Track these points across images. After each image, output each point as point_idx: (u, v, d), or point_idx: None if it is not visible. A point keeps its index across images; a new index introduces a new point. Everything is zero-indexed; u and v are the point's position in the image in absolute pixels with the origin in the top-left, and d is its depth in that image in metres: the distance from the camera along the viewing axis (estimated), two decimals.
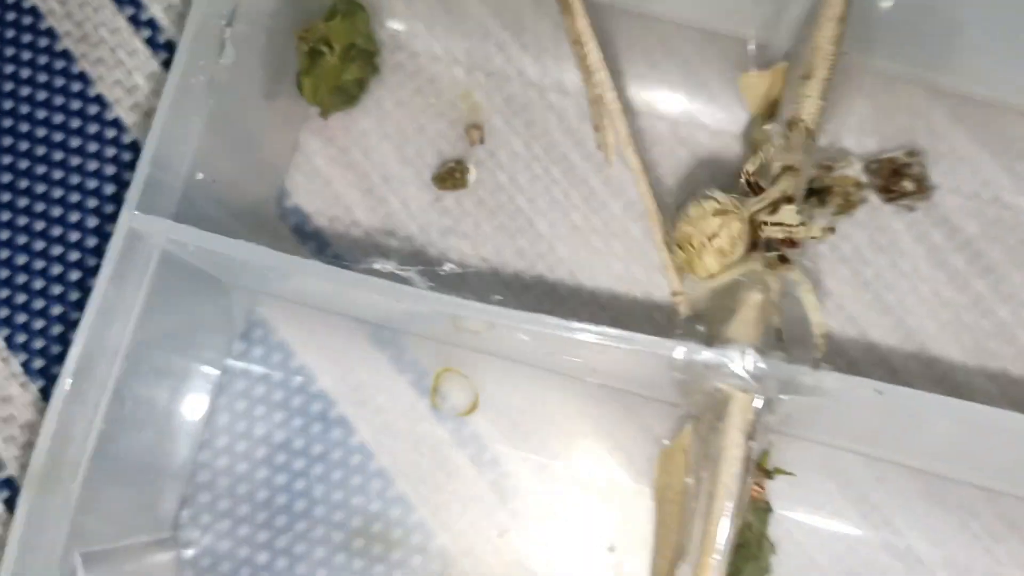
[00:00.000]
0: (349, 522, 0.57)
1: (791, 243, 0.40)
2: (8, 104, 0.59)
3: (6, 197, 0.58)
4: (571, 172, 0.60)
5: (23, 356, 0.58)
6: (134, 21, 0.61)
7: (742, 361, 0.39)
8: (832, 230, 0.40)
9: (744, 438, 0.38)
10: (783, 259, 0.40)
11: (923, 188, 0.55)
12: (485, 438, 0.57)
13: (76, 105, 0.60)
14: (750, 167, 0.41)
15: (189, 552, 0.57)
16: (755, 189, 0.42)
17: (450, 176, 0.58)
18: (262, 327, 0.59)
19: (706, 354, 0.40)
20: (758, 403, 0.39)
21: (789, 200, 0.40)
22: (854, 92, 0.58)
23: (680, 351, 0.39)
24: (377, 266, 0.48)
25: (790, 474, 0.54)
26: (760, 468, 0.53)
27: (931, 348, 0.57)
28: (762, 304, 0.40)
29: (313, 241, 0.60)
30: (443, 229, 0.59)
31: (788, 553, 0.55)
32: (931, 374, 0.57)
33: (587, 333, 0.39)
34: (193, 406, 0.57)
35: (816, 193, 0.55)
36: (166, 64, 0.60)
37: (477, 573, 0.56)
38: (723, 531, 0.39)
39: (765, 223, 0.39)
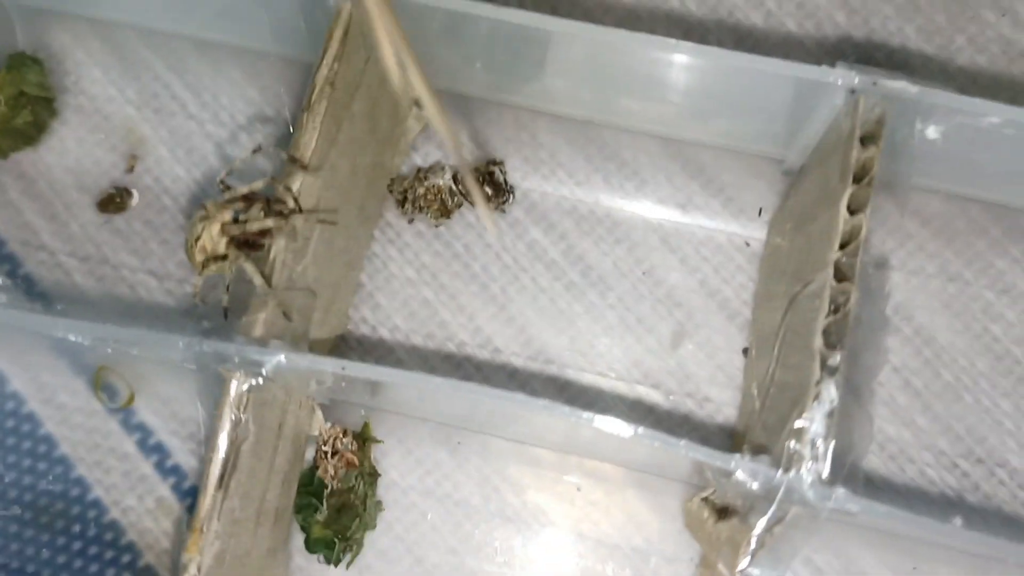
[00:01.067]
0: (37, 501, 0.66)
1: (252, 237, 0.49)
2: None
3: None
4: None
5: None
6: None
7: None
8: (280, 227, 0.48)
9: (230, 415, 0.47)
10: (249, 246, 0.49)
11: (503, 191, 0.64)
12: (149, 425, 0.66)
13: None
14: (223, 174, 0.51)
15: None
16: (225, 191, 0.51)
17: (111, 201, 0.67)
18: None
19: (210, 345, 0.49)
20: (244, 385, 0.48)
21: (250, 200, 0.49)
22: (462, 114, 0.67)
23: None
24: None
25: (379, 441, 0.63)
26: (357, 437, 0.62)
27: (529, 330, 0.66)
28: (259, 296, 0.49)
29: (7, 263, 0.69)
30: (114, 246, 0.68)
31: (401, 507, 0.64)
32: (528, 352, 0.66)
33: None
34: None
35: (410, 200, 0.65)
36: None
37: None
38: (208, 495, 0.47)
39: (235, 221, 0.48)
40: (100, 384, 0.66)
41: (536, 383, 0.65)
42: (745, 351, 0.64)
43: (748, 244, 0.65)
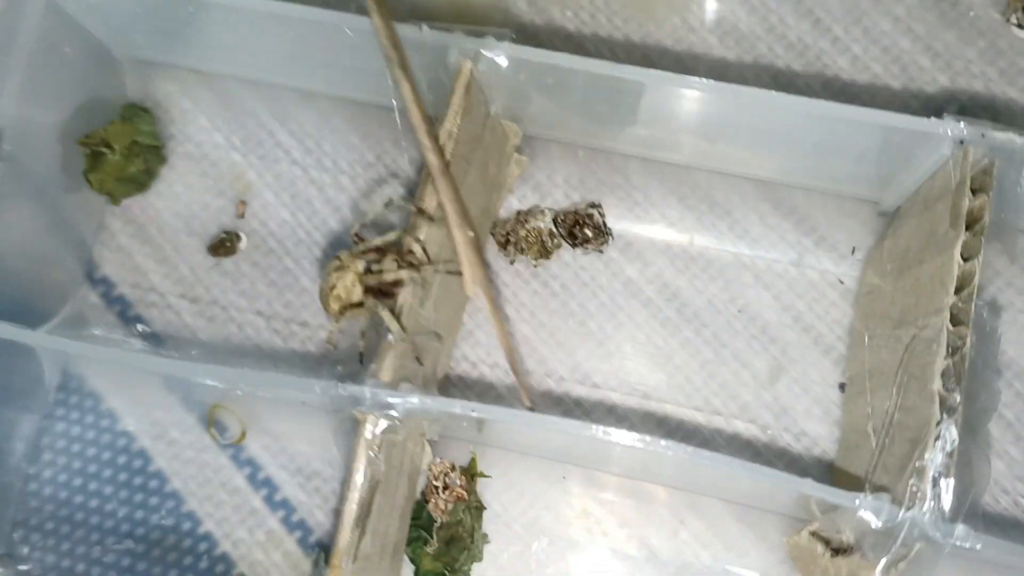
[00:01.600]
0: (149, 535, 0.68)
1: (386, 287, 0.51)
2: None
3: None
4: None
5: None
6: None
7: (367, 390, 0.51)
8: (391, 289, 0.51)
9: (366, 455, 0.49)
10: (383, 294, 0.51)
11: (601, 234, 0.67)
12: (259, 461, 0.69)
13: None
14: (355, 227, 0.53)
15: (23, 567, 0.69)
16: (358, 242, 0.54)
17: (222, 245, 0.70)
18: (77, 379, 0.71)
19: (346, 389, 0.51)
20: (380, 424, 0.50)
21: (382, 251, 0.52)
22: (557, 156, 0.70)
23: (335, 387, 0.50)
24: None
25: (487, 476, 0.65)
26: (464, 472, 0.64)
27: (627, 366, 0.68)
28: (395, 342, 0.52)
29: (118, 305, 0.72)
30: (223, 287, 0.71)
31: (507, 541, 0.66)
32: (627, 387, 0.68)
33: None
34: (20, 451, 0.69)
35: (512, 243, 0.67)
36: None
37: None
38: (346, 533, 0.49)
39: (368, 271, 0.51)
40: (212, 421, 0.68)
41: (635, 417, 0.67)
42: (842, 386, 0.65)
43: (842, 282, 0.67)
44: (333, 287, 0.52)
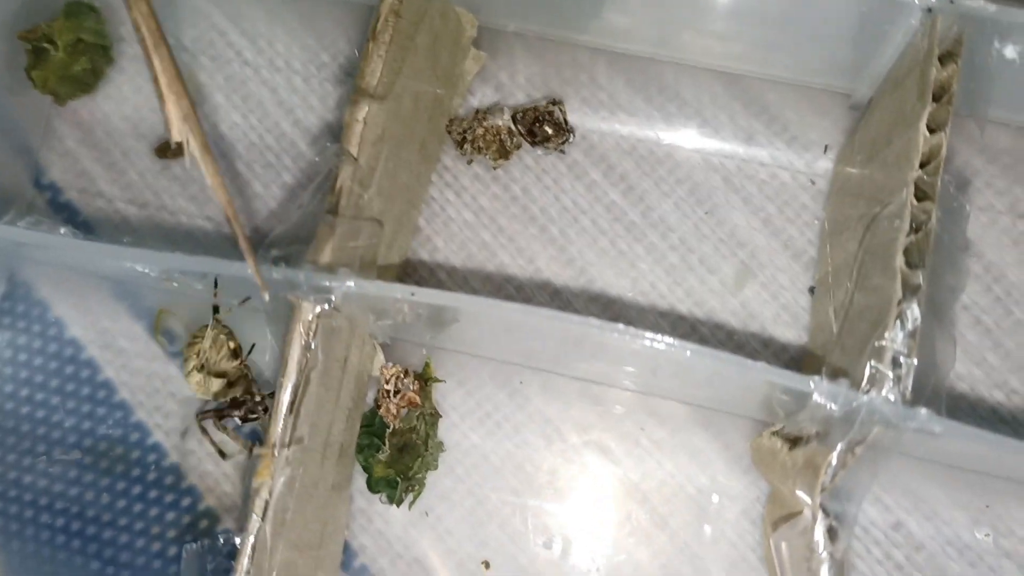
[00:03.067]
0: (97, 446, 0.66)
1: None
2: None
3: None
4: (282, 138, 0.69)
5: None
6: None
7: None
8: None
9: (300, 340, 0.47)
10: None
11: (562, 132, 0.64)
12: None
13: None
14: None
15: None
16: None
17: (168, 147, 0.67)
18: (23, 287, 0.68)
19: (280, 272, 0.49)
20: (313, 310, 0.48)
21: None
22: (519, 54, 0.67)
23: None
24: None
25: (441, 380, 0.63)
26: (418, 377, 0.62)
27: (590, 272, 0.65)
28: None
29: (65, 211, 0.69)
30: (172, 193, 0.68)
31: (462, 449, 0.64)
32: (588, 294, 0.65)
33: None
34: None
35: (469, 141, 0.64)
36: None
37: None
38: (281, 418, 0.47)
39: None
40: (160, 328, 0.66)
41: None
42: (811, 290, 0.63)
43: (813, 182, 0.64)
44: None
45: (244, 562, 0.47)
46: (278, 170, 0.68)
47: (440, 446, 0.63)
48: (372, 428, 0.62)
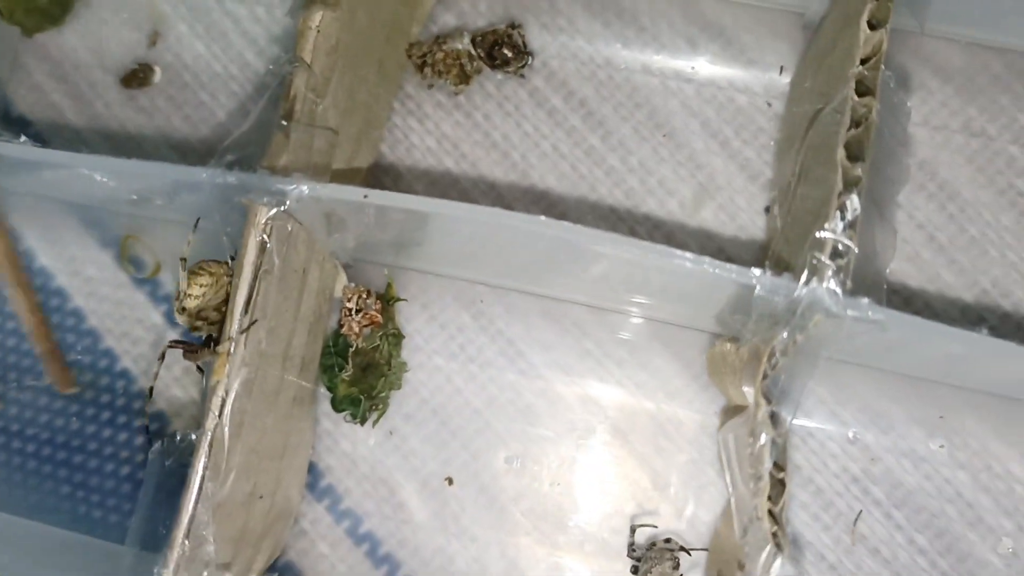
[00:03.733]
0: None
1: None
2: None
3: None
4: (247, 68, 0.69)
5: None
6: None
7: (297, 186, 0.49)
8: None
9: (255, 240, 0.48)
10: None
11: (521, 55, 0.64)
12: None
13: None
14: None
15: None
16: None
17: (135, 76, 0.68)
18: None
19: (235, 176, 0.50)
20: (268, 212, 0.49)
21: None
22: None
23: None
24: None
25: (402, 300, 0.64)
26: (380, 297, 0.63)
27: (551, 196, 0.66)
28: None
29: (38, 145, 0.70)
30: (138, 123, 0.69)
31: (425, 371, 0.65)
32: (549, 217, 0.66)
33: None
34: None
35: (429, 64, 0.65)
36: None
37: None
38: (236, 317, 0.48)
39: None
40: (126, 255, 0.67)
41: None
42: (767, 210, 0.64)
43: (770, 104, 0.65)
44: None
45: (201, 459, 0.47)
46: (241, 99, 0.69)
47: (403, 366, 0.64)
48: (336, 348, 0.63)
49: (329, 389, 0.63)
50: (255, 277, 0.49)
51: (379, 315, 0.62)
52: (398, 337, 0.64)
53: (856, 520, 0.61)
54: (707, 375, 0.62)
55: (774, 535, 0.45)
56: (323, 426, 0.64)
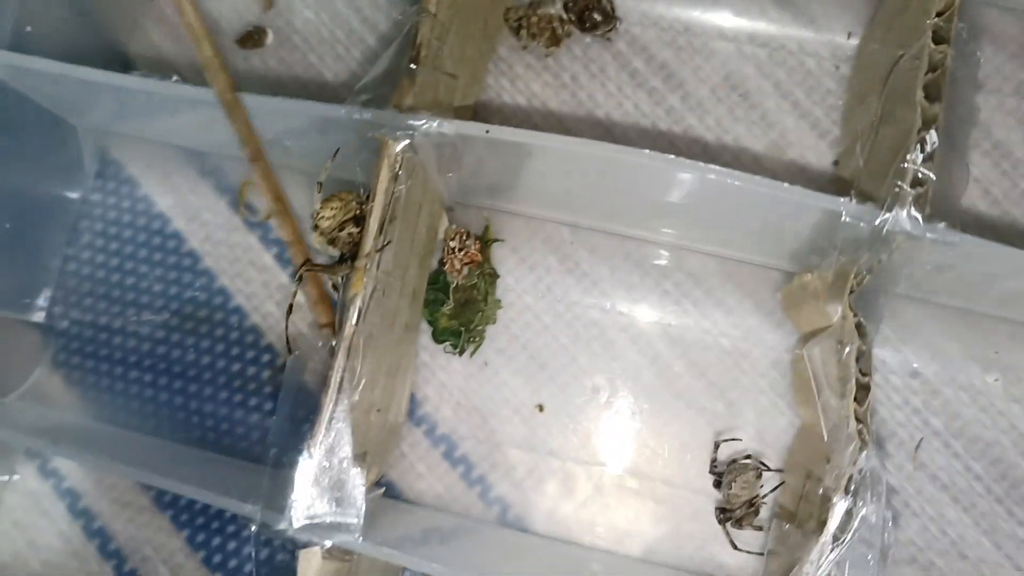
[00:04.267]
0: (183, 309, 0.73)
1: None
2: None
3: None
4: (352, 34, 0.75)
5: None
6: None
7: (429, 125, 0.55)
8: None
9: (389, 169, 0.54)
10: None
11: (609, 19, 0.70)
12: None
13: None
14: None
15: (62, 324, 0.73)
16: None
17: (249, 38, 0.74)
18: (113, 166, 0.75)
19: (370, 112, 0.55)
20: (400, 145, 0.55)
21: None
22: None
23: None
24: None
25: (500, 240, 0.69)
26: (479, 239, 0.68)
27: None
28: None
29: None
30: (250, 81, 0.75)
31: (516, 310, 0.70)
32: None
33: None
34: (59, 231, 0.74)
35: (524, 27, 0.71)
36: None
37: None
38: (372, 237, 0.54)
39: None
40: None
41: None
42: (835, 163, 0.69)
43: (838, 68, 0.71)
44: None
45: (341, 360, 0.53)
46: (347, 62, 0.75)
47: (498, 303, 0.69)
48: (438, 285, 0.68)
49: (430, 323, 0.68)
50: (389, 202, 0.54)
51: (478, 254, 0.67)
52: (494, 276, 0.69)
53: (917, 447, 0.66)
54: (781, 311, 0.67)
55: (859, 432, 0.50)
56: (421, 359, 0.70)
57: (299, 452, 0.54)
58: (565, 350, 0.70)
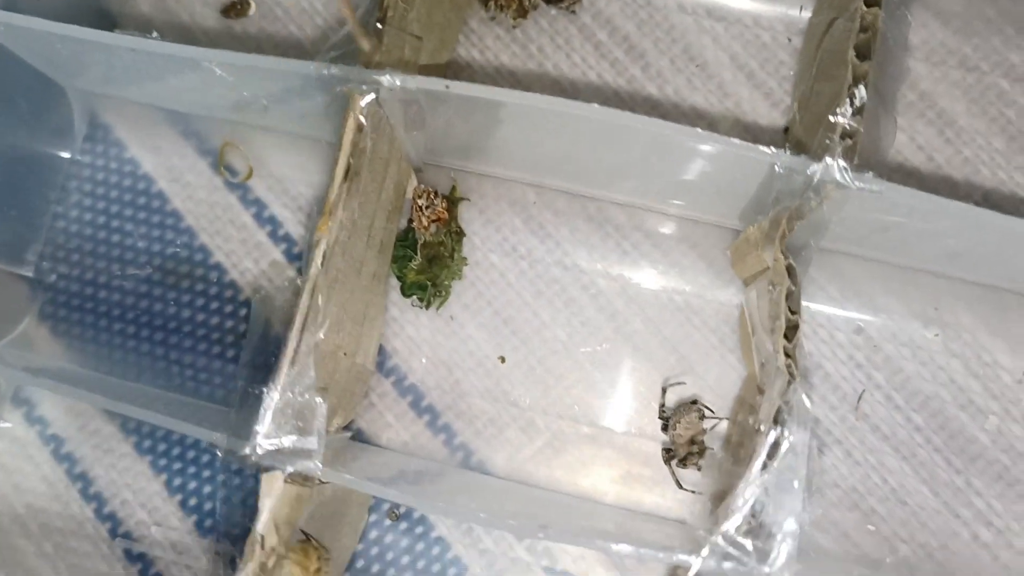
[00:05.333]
0: (165, 265, 0.76)
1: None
2: None
3: None
4: (330, 4, 0.79)
5: None
6: None
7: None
8: None
9: (355, 120, 0.57)
10: None
11: None
12: (264, 200, 0.77)
13: None
14: None
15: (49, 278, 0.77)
16: None
17: (233, 7, 0.77)
18: (102, 129, 0.79)
19: (337, 68, 0.59)
20: (367, 99, 0.58)
21: None
22: None
23: None
24: None
25: (466, 199, 0.73)
26: (446, 199, 0.72)
27: None
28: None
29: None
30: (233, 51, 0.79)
31: (482, 268, 0.74)
32: None
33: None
34: (49, 189, 0.77)
35: (493, 0, 0.74)
36: None
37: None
38: (337, 183, 0.57)
39: None
40: (223, 160, 0.76)
41: None
42: (785, 130, 0.73)
43: (790, 40, 0.74)
44: None
45: (305, 298, 0.56)
46: (327, 33, 0.78)
47: (464, 260, 0.73)
48: (407, 243, 0.72)
49: (399, 278, 0.72)
50: (353, 151, 0.58)
51: (445, 212, 0.71)
52: (460, 234, 0.73)
53: (859, 399, 0.69)
54: (731, 269, 0.70)
55: (788, 367, 0.53)
56: (391, 315, 0.73)
57: (265, 385, 0.57)
58: (528, 306, 0.73)
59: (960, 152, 0.72)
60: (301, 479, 0.56)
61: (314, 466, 0.55)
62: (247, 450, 0.55)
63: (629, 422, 0.71)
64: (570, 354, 0.72)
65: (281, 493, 0.55)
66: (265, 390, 0.56)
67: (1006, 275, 0.65)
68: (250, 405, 0.57)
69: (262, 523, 0.54)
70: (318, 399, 0.56)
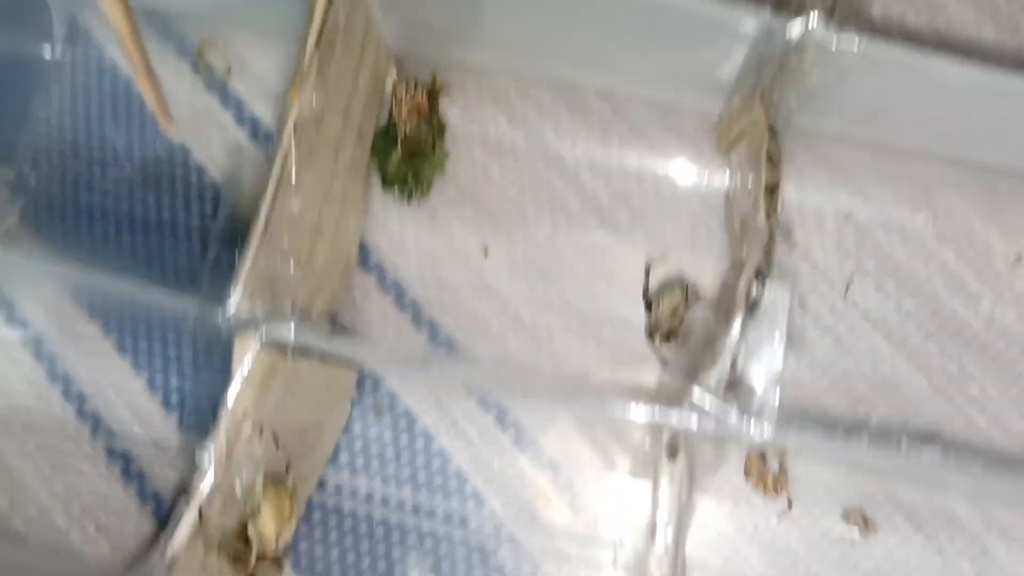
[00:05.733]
0: (146, 167, 0.76)
1: None
2: None
3: None
4: None
5: None
6: None
7: None
8: None
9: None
10: None
11: None
12: (245, 100, 0.76)
13: None
14: None
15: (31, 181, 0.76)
16: None
17: None
18: (83, 33, 0.78)
19: None
20: None
21: None
22: None
23: None
24: None
25: (447, 95, 0.72)
26: (427, 89, 0.71)
27: None
28: None
29: None
30: None
31: (465, 163, 0.73)
32: None
33: None
34: (30, 90, 0.77)
35: None
36: None
37: None
38: (308, 54, 0.56)
39: None
40: (203, 57, 0.75)
41: None
42: None
43: None
44: None
45: (278, 166, 0.56)
46: None
47: (446, 154, 0.72)
48: (388, 136, 0.71)
49: (380, 170, 0.71)
50: (324, 20, 0.57)
51: (425, 103, 0.70)
52: (442, 128, 0.72)
53: (848, 285, 0.68)
54: (716, 156, 0.69)
55: (768, 224, 0.52)
56: (373, 211, 0.72)
57: (237, 253, 0.56)
58: (511, 201, 0.72)
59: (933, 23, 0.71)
60: (276, 347, 0.55)
61: (287, 330, 0.54)
62: (218, 317, 0.54)
63: (615, 314, 0.70)
64: (554, 248, 0.71)
65: (254, 361, 0.54)
66: (238, 257, 0.55)
67: (999, 152, 0.63)
68: (222, 275, 0.56)
69: (233, 391, 0.54)
70: (292, 267, 0.55)
